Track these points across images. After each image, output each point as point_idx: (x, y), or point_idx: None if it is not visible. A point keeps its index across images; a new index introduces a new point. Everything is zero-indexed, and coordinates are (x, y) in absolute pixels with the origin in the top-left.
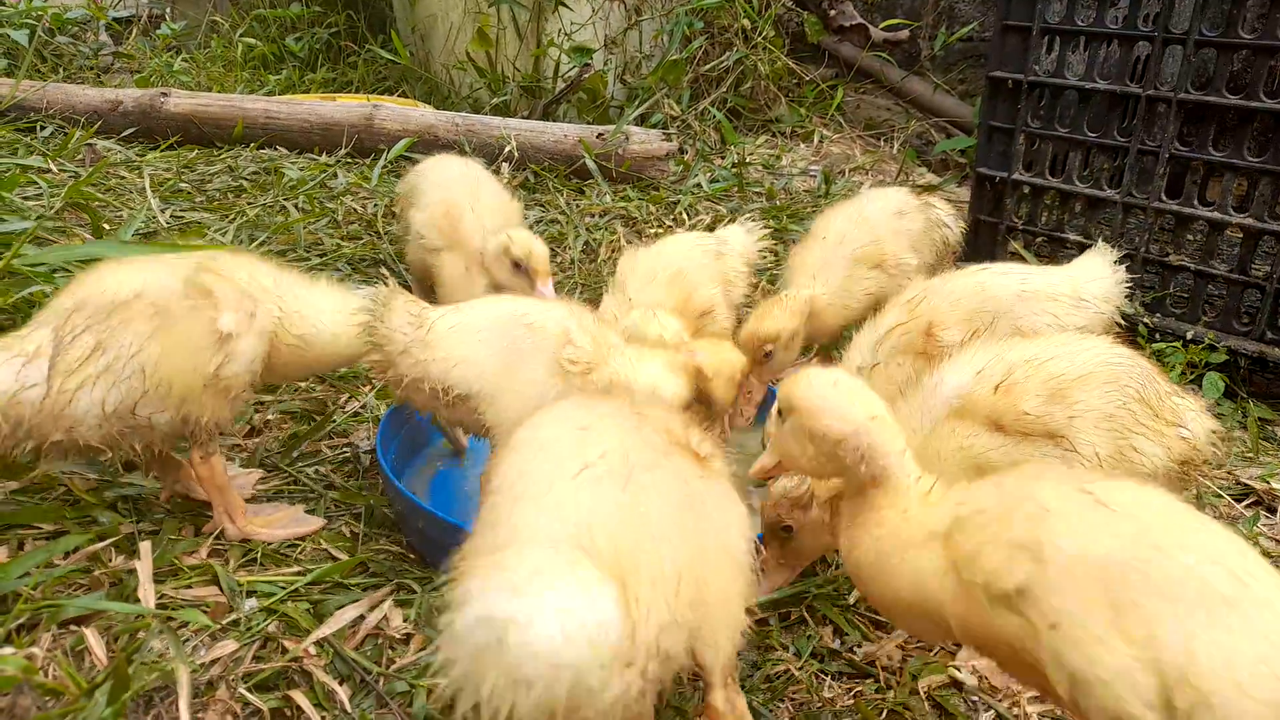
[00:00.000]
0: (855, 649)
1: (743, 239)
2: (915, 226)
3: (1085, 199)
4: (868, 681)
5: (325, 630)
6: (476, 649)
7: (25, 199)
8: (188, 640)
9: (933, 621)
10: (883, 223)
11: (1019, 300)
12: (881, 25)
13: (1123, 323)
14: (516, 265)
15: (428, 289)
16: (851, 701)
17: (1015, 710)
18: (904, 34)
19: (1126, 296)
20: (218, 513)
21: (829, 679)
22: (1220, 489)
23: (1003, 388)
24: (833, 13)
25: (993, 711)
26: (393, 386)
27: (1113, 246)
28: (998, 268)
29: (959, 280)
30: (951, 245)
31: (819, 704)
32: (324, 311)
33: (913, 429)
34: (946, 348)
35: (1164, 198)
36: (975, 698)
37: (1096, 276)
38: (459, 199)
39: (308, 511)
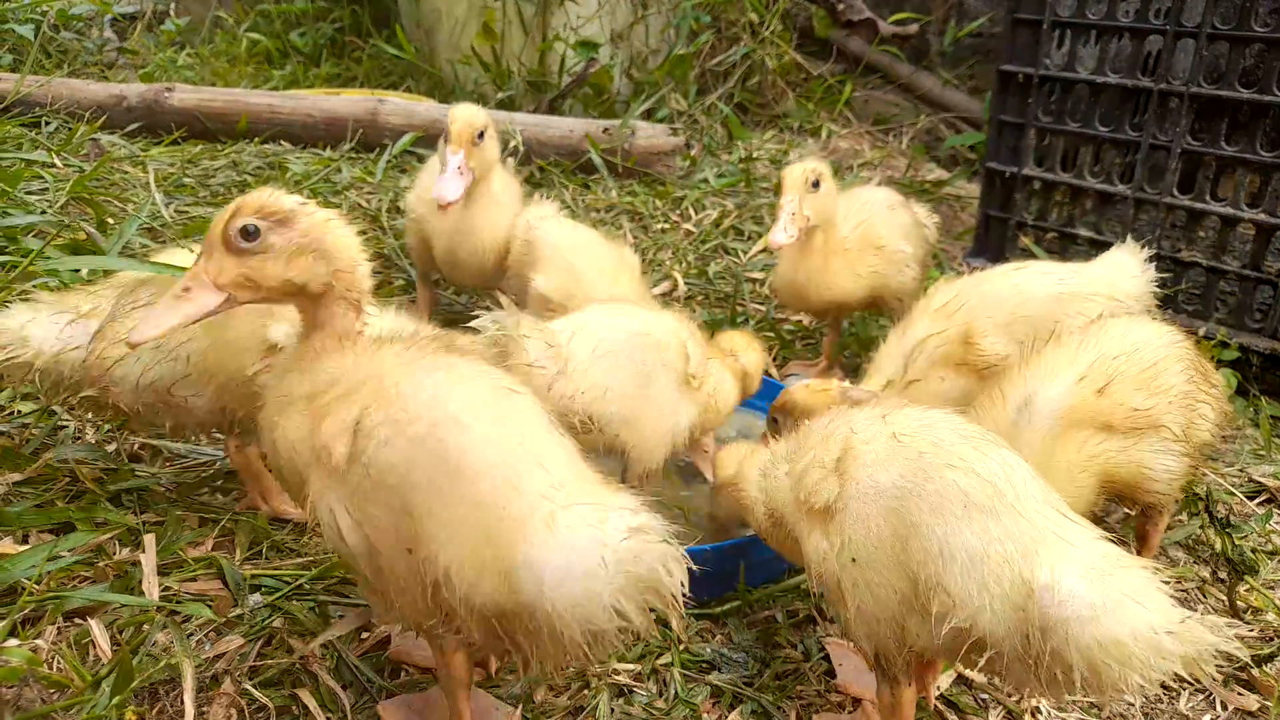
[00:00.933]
0: None
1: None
2: (905, 219)
3: (1097, 194)
4: None
5: (332, 634)
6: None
7: (30, 194)
8: (192, 635)
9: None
10: (878, 210)
11: (1056, 302)
12: (890, 19)
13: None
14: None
15: (425, 275)
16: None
17: (1023, 706)
18: (913, 28)
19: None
20: (252, 494)
21: (834, 680)
22: (1233, 487)
23: (1107, 389)
24: (841, 7)
25: (1002, 708)
26: None
27: (1124, 242)
28: (1034, 268)
29: (993, 282)
30: (932, 244)
31: (827, 704)
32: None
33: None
34: (988, 357)
35: (1176, 193)
36: (985, 695)
37: (1129, 275)
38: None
39: None
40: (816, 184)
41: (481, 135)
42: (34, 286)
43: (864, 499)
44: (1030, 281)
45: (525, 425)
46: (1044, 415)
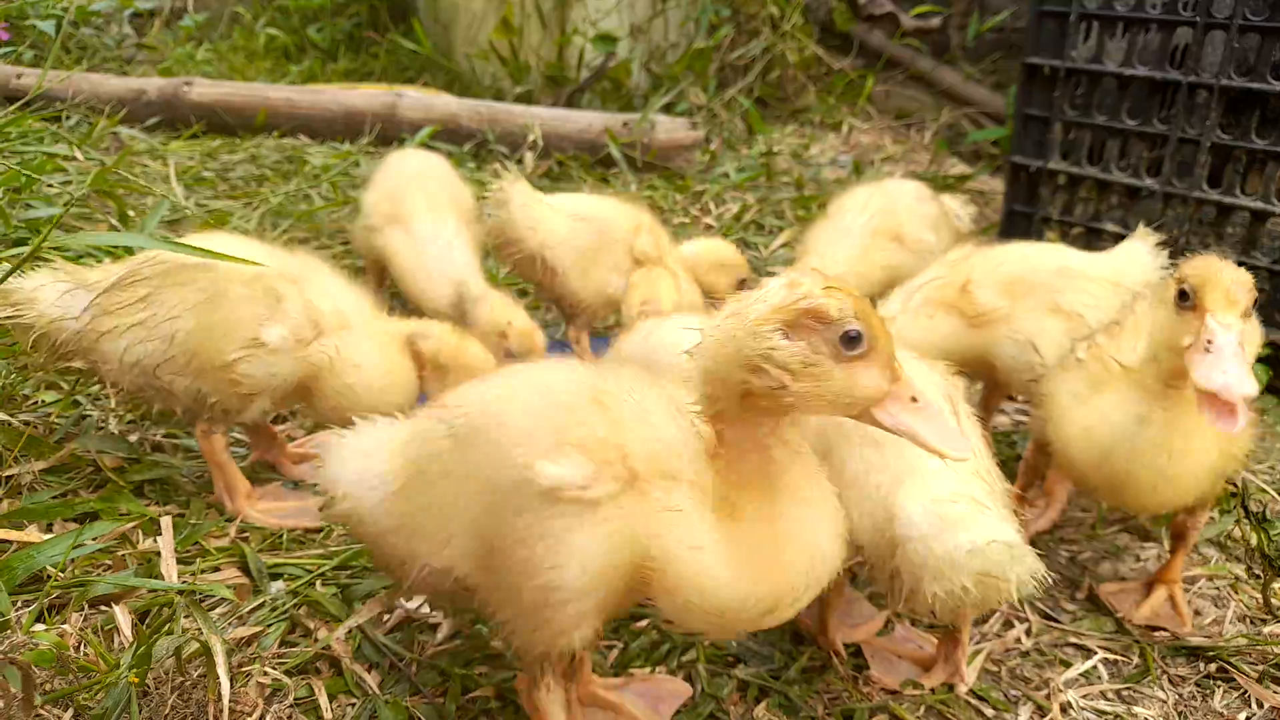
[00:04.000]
0: None
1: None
2: (931, 210)
3: (1124, 189)
4: None
5: (357, 620)
6: None
7: (51, 186)
8: (216, 622)
9: None
10: (902, 201)
11: (1058, 275)
12: (912, 13)
13: None
14: (510, 356)
15: (378, 276)
16: (888, 695)
17: (1052, 701)
18: (935, 21)
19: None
20: (217, 488)
21: (865, 672)
22: (1265, 484)
23: None
24: (862, 0)
25: (1031, 703)
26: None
27: (1138, 230)
28: (1045, 245)
29: (1005, 248)
30: (965, 234)
31: (856, 697)
32: (383, 360)
33: None
34: (978, 305)
35: (1205, 187)
36: (1015, 691)
37: (1136, 263)
38: (403, 181)
39: None
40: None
41: None
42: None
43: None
44: (1039, 253)
45: None
46: None
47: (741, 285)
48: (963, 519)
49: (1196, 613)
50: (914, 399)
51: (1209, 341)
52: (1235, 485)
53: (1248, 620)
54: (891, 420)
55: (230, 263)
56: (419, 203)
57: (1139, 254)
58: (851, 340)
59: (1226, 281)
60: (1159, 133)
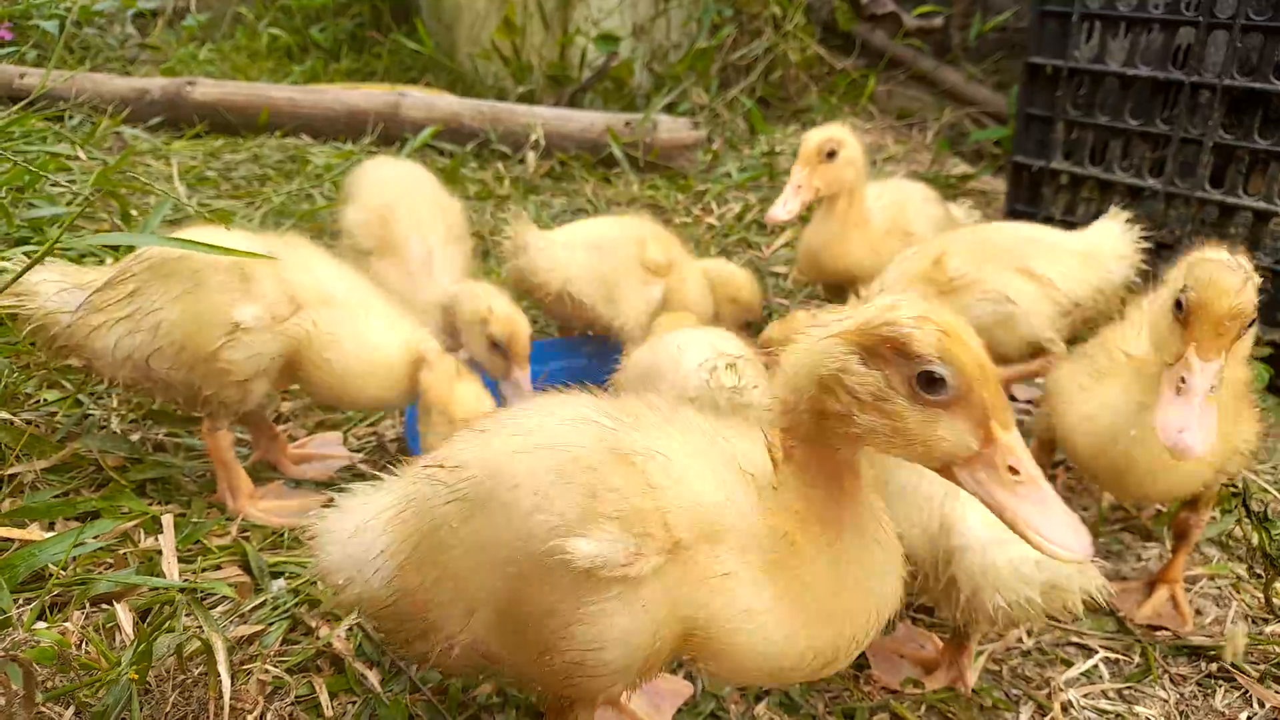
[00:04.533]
0: None
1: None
2: (937, 213)
3: (1126, 189)
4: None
5: (358, 618)
6: None
7: (55, 186)
8: (218, 620)
9: None
10: (912, 200)
11: (1028, 242)
12: (914, 13)
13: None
14: (494, 345)
15: None
16: (889, 694)
17: (1054, 701)
18: (938, 21)
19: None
20: (221, 487)
21: (866, 671)
22: (1266, 484)
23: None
24: (865, 0)
25: (1032, 703)
26: None
27: (1151, 234)
28: (1019, 223)
29: (979, 226)
30: None
31: (856, 696)
32: (367, 343)
33: None
34: (949, 273)
35: (1207, 187)
36: (1016, 690)
37: (1108, 239)
38: (392, 200)
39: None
40: (832, 154)
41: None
42: None
43: None
44: (1010, 226)
45: None
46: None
47: (747, 329)
48: None
49: (1198, 612)
50: (1013, 469)
51: (1182, 379)
52: (1236, 485)
53: (1249, 620)
54: (978, 488)
55: (210, 253)
56: (410, 230)
57: (1110, 232)
58: (933, 382)
59: (1221, 311)
60: (1161, 133)
